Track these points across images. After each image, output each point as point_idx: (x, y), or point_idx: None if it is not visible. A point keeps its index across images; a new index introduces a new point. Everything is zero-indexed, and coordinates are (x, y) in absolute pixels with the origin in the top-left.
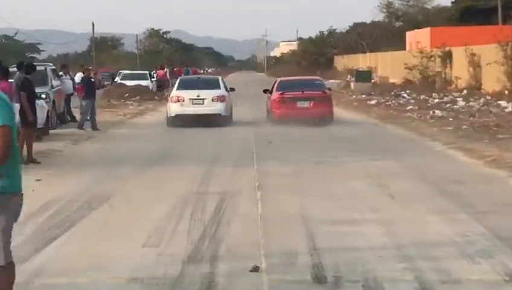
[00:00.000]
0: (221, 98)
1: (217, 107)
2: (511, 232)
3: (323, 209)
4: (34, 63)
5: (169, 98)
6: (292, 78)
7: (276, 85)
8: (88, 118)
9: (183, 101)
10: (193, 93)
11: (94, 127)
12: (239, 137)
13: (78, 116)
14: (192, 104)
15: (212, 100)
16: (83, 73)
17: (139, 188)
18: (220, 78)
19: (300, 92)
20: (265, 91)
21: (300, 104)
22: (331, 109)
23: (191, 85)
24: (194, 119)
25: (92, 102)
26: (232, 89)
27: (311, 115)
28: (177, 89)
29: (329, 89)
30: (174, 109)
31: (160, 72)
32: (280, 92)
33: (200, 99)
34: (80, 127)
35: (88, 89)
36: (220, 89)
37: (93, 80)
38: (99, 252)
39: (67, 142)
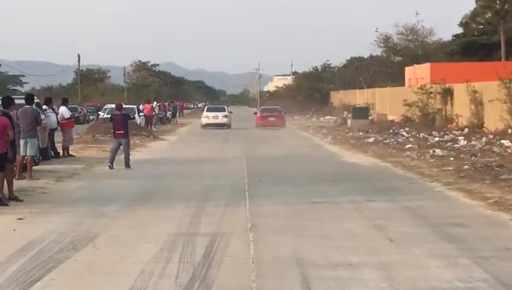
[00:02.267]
0: (226, 116)
1: (224, 120)
2: None
3: (318, 251)
4: (15, 96)
5: (202, 116)
6: (266, 106)
7: (259, 110)
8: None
9: (209, 117)
10: (213, 113)
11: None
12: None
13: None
14: (213, 118)
15: (222, 117)
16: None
17: (125, 227)
18: (225, 106)
19: (270, 113)
20: (255, 113)
21: (269, 118)
22: (284, 121)
23: (212, 109)
24: (213, 126)
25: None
26: (231, 112)
27: (274, 124)
28: (206, 111)
29: (283, 112)
30: (204, 121)
31: (147, 106)
32: (260, 113)
33: (216, 116)
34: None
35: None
36: (225, 111)
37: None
38: None
39: (50, 179)
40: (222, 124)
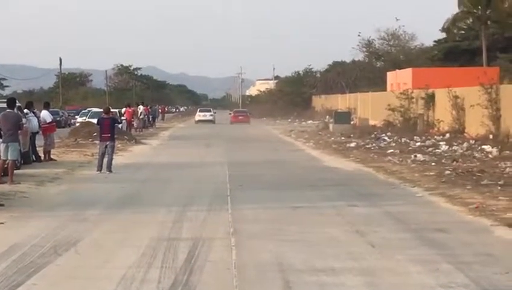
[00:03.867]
0: (211, 115)
1: (210, 118)
2: (495, 283)
3: (300, 256)
4: None
5: (196, 114)
6: (237, 109)
7: (233, 111)
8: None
9: (200, 115)
10: (203, 113)
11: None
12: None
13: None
14: (203, 116)
15: (209, 115)
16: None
17: (107, 232)
18: (211, 108)
19: (239, 114)
20: (230, 113)
21: (239, 117)
22: (248, 119)
23: (202, 110)
24: (203, 121)
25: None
26: (215, 112)
27: (241, 121)
28: (198, 112)
29: (249, 113)
30: (197, 118)
31: (128, 111)
32: (233, 113)
33: (205, 115)
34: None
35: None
36: (211, 112)
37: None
38: None
39: (31, 183)
40: (209, 120)
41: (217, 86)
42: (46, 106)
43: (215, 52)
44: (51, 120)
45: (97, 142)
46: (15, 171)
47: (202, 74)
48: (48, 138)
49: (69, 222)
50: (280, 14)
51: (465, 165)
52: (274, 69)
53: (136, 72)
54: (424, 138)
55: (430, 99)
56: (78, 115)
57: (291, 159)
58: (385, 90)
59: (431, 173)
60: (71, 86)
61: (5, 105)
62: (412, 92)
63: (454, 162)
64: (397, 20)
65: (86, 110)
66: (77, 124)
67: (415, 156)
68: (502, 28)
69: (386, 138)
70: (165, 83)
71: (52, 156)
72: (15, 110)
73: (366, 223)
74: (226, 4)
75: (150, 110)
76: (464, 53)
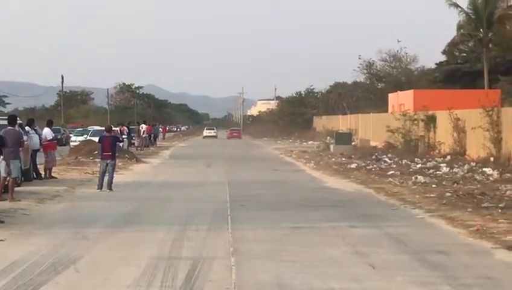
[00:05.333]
0: (215, 132)
1: (214, 134)
2: None
3: (300, 277)
4: None
5: (203, 131)
6: (232, 128)
7: (229, 129)
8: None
9: (206, 132)
10: (208, 130)
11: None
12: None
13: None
14: (208, 132)
15: (213, 132)
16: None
17: (107, 250)
18: (215, 127)
19: (234, 131)
20: (226, 131)
21: (233, 133)
22: (240, 135)
23: (208, 128)
24: (209, 137)
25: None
26: (217, 131)
27: (235, 136)
28: (205, 129)
29: (241, 131)
30: (204, 134)
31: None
32: (229, 131)
33: (210, 132)
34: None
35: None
36: (215, 129)
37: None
38: None
39: (32, 200)
40: (213, 136)
41: (218, 105)
42: (49, 124)
43: (216, 71)
44: (51, 137)
45: (98, 160)
46: (15, 189)
47: (203, 93)
48: (49, 156)
49: (69, 240)
50: (282, 34)
51: (466, 187)
52: (275, 89)
53: (137, 91)
54: (425, 159)
55: (430, 121)
56: (72, 133)
57: (292, 180)
58: (386, 111)
59: (432, 195)
60: (72, 103)
61: (6, 122)
62: (414, 114)
63: (455, 184)
64: (399, 41)
65: (81, 129)
66: (71, 145)
67: (416, 177)
68: (503, 50)
69: (387, 159)
70: (166, 101)
71: (52, 174)
72: (16, 127)
73: (366, 244)
74: (228, 24)
75: (152, 128)
76: (465, 75)
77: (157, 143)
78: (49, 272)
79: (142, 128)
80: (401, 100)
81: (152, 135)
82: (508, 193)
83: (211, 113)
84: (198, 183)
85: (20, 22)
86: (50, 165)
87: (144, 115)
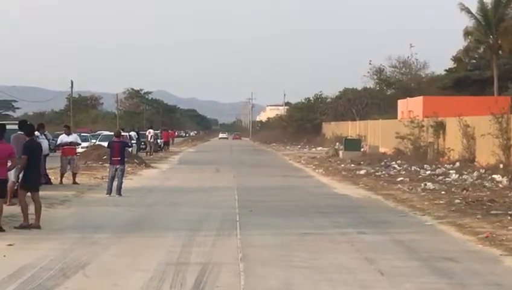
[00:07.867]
0: (227, 135)
1: (226, 137)
2: None
3: (309, 283)
4: (8, 122)
5: (219, 134)
6: (235, 132)
7: (233, 133)
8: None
9: (220, 134)
10: (222, 134)
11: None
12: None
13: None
14: (222, 135)
15: (225, 135)
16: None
17: (116, 255)
18: (227, 131)
19: (236, 135)
20: (231, 134)
21: (236, 136)
22: (241, 137)
23: (222, 132)
24: (223, 138)
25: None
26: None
27: (237, 138)
28: (220, 133)
29: (241, 135)
30: (220, 136)
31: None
32: (233, 134)
33: (224, 135)
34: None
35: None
36: (226, 133)
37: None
38: None
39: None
40: (225, 138)
41: (227, 111)
42: (67, 129)
43: (226, 77)
44: (70, 142)
45: (107, 165)
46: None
47: (213, 98)
48: (72, 161)
49: (78, 245)
50: (291, 40)
51: (475, 194)
52: (285, 95)
53: (146, 96)
54: (434, 166)
55: (439, 128)
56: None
57: (301, 185)
58: (396, 117)
59: (441, 202)
60: (82, 108)
61: (16, 127)
62: (423, 120)
63: (464, 191)
64: (411, 46)
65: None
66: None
67: (425, 184)
68: None
69: (396, 165)
70: (175, 107)
71: (63, 179)
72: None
73: (375, 250)
74: (237, 30)
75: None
76: (474, 82)
77: (169, 148)
78: (58, 277)
79: (149, 133)
80: (411, 107)
81: (162, 141)
82: None
83: (220, 118)
84: (207, 189)
85: (29, 27)
86: (75, 170)
87: (152, 120)
